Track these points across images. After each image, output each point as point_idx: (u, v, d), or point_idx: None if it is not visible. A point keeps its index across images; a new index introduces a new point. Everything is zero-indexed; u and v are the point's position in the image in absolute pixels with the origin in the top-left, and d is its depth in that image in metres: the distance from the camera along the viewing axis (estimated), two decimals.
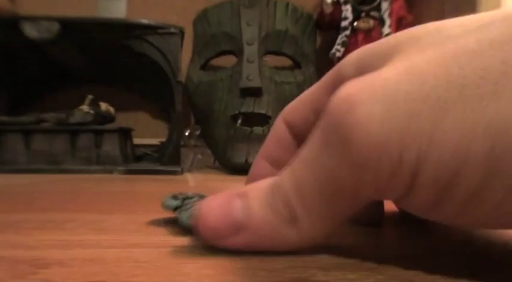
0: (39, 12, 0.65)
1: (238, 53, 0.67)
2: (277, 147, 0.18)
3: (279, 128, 0.19)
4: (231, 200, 0.15)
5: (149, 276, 0.13)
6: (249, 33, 0.67)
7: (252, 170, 0.19)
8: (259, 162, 0.19)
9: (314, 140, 0.13)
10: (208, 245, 0.15)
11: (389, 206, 0.19)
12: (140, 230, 0.19)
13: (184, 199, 0.19)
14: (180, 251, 0.16)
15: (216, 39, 0.69)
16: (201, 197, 0.20)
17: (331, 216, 0.14)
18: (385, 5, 0.76)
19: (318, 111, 0.17)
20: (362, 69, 0.15)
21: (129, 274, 0.13)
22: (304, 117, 0.18)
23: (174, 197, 0.20)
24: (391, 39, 0.14)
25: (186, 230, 0.18)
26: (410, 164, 0.12)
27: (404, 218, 0.22)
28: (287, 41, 0.69)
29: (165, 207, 0.19)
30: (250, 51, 0.65)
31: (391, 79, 0.12)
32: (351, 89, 0.12)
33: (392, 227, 0.21)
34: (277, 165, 0.18)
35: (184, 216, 0.18)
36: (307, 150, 0.14)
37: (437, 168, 0.11)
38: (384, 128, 0.11)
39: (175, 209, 0.19)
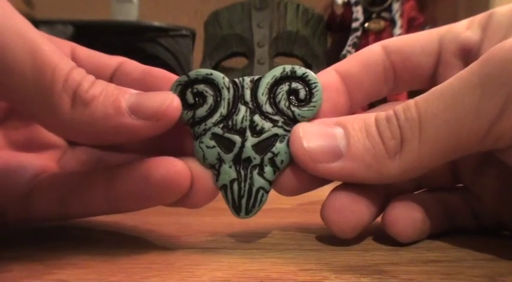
0: (54, 16, 0.66)
1: (249, 54, 0.67)
2: (361, 67, 0.18)
3: (372, 51, 0.19)
4: (329, 126, 0.15)
5: (162, 278, 0.13)
6: (260, 35, 0.67)
7: (320, 77, 0.18)
8: (329, 73, 0.18)
9: (464, 77, 0.14)
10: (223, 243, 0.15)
11: None
12: (153, 230, 0.20)
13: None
14: (193, 253, 0.16)
15: (227, 41, 0.69)
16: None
17: (444, 151, 0.14)
18: (396, 6, 0.75)
19: (439, 51, 0.18)
20: (495, 31, 0.16)
21: (142, 275, 0.13)
22: (424, 48, 0.18)
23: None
24: None
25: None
26: None
27: None
28: (298, 42, 0.69)
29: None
30: (261, 53, 0.65)
31: None
32: None
33: None
34: (351, 82, 0.18)
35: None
36: (451, 85, 0.14)
37: None
38: None
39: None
